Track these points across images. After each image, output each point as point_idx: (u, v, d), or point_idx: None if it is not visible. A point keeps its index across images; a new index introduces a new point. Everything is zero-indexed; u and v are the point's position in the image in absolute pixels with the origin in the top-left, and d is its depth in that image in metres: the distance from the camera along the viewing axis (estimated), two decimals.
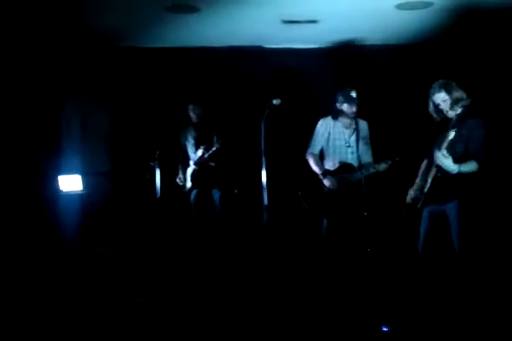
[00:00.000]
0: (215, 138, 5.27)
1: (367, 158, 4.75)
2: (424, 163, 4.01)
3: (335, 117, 4.70)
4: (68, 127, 5.82)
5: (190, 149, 5.42)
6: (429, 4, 4.65)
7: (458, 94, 3.72)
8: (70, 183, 5.60)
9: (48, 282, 4.32)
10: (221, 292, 4.26)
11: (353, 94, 4.57)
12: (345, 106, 4.62)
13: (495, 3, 4.51)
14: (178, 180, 5.46)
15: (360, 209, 4.64)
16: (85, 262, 4.84)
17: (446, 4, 4.62)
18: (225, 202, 5.27)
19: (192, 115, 5.35)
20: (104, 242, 5.19)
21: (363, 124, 4.77)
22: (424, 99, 3.93)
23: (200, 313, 3.81)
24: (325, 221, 4.62)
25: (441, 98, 3.72)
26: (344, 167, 4.62)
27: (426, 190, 3.79)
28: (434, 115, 3.85)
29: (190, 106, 5.32)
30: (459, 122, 3.68)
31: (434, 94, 3.76)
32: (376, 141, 4.85)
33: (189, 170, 5.39)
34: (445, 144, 3.52)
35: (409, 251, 3.96)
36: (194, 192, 5.38)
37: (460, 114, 3.73)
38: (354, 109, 4.61)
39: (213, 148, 5.22)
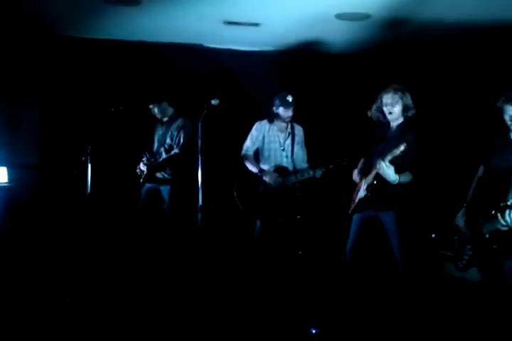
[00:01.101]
0: (177, 140, 5.15)
1: (302, 162, 4.82)
2: (356, 171, 4.09)
3: (271, 121, 4.75)
4: None
5: (155, 145, 5.27)
6: (368, 16, 4.80)
7: (409, 102, 3.82)
8: None
9: None
10: (148, 290, 4.22)
11: (289, 99, 4.64)
12: (281, 110, 4.67)
13: (429, 16, 4.71)
14: (138, 171, 5.27)
15: (294, 212, 4.72)
16: (8, 258, 4.63)
17: (384, 16, 4.79)
18: (173, 199, 5.16)
19: (158, 115, 5.23)
20: (28, 237, 4.98)
21: (299, 129, 4.84)
22: (360, 106, 4.05)
23: (126, 311, 3.75)
24: (258, 222, 4.65)
25: (395, 99, 3.77)
26: (279, 169, 4.67)
27: (360, 196, 3.89)
28: (376, 114, 3.90)
29: (156, 105, 5.18)
30: (400, 133, 3.78)
31: (388, 93, 3.80)
32: (312, 146, 4.94)
33: (141, 164, 5.19)
34: (390, 156, 3.58)
35: (340, 255, 4.06)
36: (145, 187, 5.22)
37: (402, 124, 3.85)
38: (290, 113, 4.67)
39: (171, 153, 5.09)
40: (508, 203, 2.83)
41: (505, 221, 2.79)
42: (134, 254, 4.92)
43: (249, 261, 4.65)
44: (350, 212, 3.97)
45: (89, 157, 4.74)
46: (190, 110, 4.38)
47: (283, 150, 4.73)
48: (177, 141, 5.14)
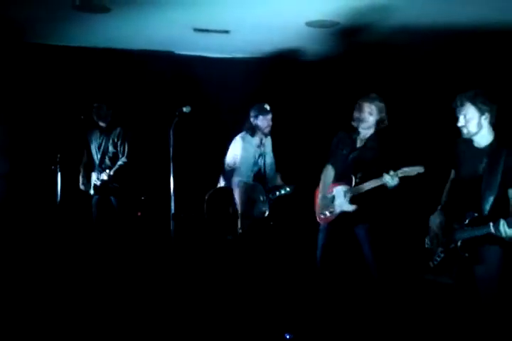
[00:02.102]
0: (122, 149, 5.11)
1: (271, 171, 4.74)
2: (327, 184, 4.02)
3: (252, 134, 4.60)
4: None
5: (95, 154, 5.23)
6: (336, 23, 4.86)
7: (383, 115, 3.85)
8: None
9: None
10: (124, 299, 4.18)
11: (267, 107, 4.60)
12: (260, 119, 4.57)
13: (396, 23, 4.78)
14: (82, 186, 5.24)
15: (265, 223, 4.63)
16: None
17: (352, 23, 4.86)
18: (122, 209, 5.13)
19: (96, 118, 5.16)
20: None
21: (268, 140, 4.76)
22: (331, 113, 4.08)
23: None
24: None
25: (372, 109, 3.80)
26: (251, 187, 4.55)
27: (343, 208, 3.82)
28: (355, 122, 3.89)
29: (95, 106, 5.11)
30: (376, 144, 3.82)
31: (366, 101, 3.82)
32: (284, 156, 4.91)
33: (93, 176, 5.17)
34: (401, 173, 3.57)
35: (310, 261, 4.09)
36: (95, 197, 5.21)
37: (373, 134, 3.88)
38: (269, 121, 4.58)
39: (119, 162, 5.07)
40: (484, 213, 2.95)
41: (500, 232, 2.86)
42: (108, 262, 4.88)
43: (221, 268, 4.63)
44: (323, 222, 3.94)
45: (58, 165, 4.69)
46: (161, 117, 4.36)
47: (255, 164, 4.63)
48: (122, 149, 5.10)
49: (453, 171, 3.39)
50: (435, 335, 3.58)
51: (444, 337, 3.50)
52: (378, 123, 3.84)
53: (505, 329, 3.04)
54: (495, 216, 2.92)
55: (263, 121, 4.60)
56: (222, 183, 4.66)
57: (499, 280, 3.05)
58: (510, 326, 3.05)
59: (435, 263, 3.20)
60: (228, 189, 4.54)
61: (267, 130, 4.63)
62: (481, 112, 3.08)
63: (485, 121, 3.09)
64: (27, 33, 5.22)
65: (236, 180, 4.50)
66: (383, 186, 3.59)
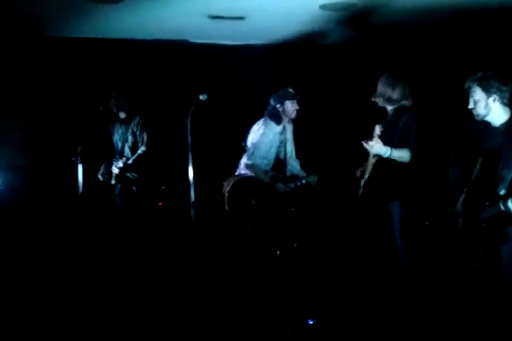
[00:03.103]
0: (141, 138, 5.13)
1: (293, 160, 4.65)
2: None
3: (278, 122, 4.46)
4: None
5: (116, 145, 5.26)
6: (352, 5, 4.78)
7: (395, 93, 3.86)
8: None
9: None
10: (148, 288, 4.22)
11: (292, 91, 4.46)
12: (288, 105, 4.42)
13: (419, 2, 4.69)
14: (100, 176, 5.28)
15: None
16: (2, 261, 4.61)
17: (369, 5, 4.78)
18: (144, 198, 5.16)
19: (116, 109, 5.18)
20: (21, 240, 4.96)
21: (290, 126, 4.63)
22: (349, 99, 4.04)
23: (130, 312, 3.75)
24: None
25: (386, 86, 3.86)
26: (274, 177, 4.46)
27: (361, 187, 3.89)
28: (377, 99, 3.95)
29: (113, 97, 5.13)
30: (393, 118, 3.85)
31: (381, 80, 3.89)
32: (307, 144, 4.85)
33: (113, 166, 5.21)
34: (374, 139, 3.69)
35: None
36: (118, 187, 5.25)
37: (395, 108, 3.90)
38: (296, 106, 4.45)
39: (139, 151, 5.09)
40: (501, 193, 2.90)
41: (509, 209, 2.82)
42: (130, 253, 4.92)
43: (240, 257, 4.62)
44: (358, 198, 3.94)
45: (79, 157, 4.72)
46: (179, 106, 4.36)
47: (278, 152, 4.52)
48: (141, 139, 5.12)
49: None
50: (461, 321, 3.54)
51: (471, 323, 3.46)
52: (388, 101, 3.90)
53: None
54: None
55: (291, 106, 4.44)
56: (241, 167, 4.53)
57: None
58: None
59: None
60: (252, 179, 4.40)
61: (294, 115, 4.48)
62: (488, 94, 3.07)
63: (494, 102, 3.07)
64: (44, 27, 5.25)
65: (244, 161, 4.41)
66: None
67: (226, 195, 4.33)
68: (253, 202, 4.37)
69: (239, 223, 4.44)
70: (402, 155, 3.73)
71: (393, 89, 3.82)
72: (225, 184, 4.42)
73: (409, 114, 3.80)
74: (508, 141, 3.02)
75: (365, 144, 3.69)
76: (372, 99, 3.91)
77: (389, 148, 3.67)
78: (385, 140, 3.69)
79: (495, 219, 2.97)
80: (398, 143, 3.74)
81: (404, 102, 3.86)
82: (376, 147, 3.67)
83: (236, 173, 4.53)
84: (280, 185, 4.38)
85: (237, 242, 4.68)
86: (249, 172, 4.42)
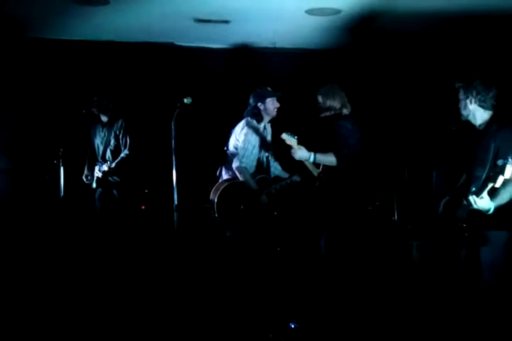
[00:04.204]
0: (124, 141, 5.10)
1: (272, 161, 4.62)
2: None
3: (259, 120, 4.42)
4: None
5: (98, 148, 5.22)
6: (338, 11, 4.81)
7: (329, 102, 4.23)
8: None
9: None
10: (130, 292, 4.19)
11: (270, 89, 4.45)
12: (268, 102, 4.38)
13: (405, 8, 4.71)
14: (84, 178, 5.23)
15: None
16: None
17: (354, 12, 4.80)
18: (125, 202, 5.11)
19: (98, 112, 5.14)
20: (1, 243, 4.89)
21: (269, 127, 4.59)
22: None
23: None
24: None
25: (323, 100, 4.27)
26: (261, 180, 4.42)
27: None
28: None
29: (95, 100, 5.07)
30: (327, 123, 4.19)
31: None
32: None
33: (96, 169, 5.16)
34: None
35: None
36: (99, 191, 5.20)
37: (330, 116, 4.24)
38: (277, 103, 4.41)
39: (122, 155, 5.06)
40: (472, 191, 2.97)
41: (470, 203, 2.92)
42: (113, 256, 4.88)
43: (223, 260, 4.59)
44: None
45: (61, 160, 4.68)
46: (163, 109, 4.33)
47: (259, 151, 4.43)
48: (123, 142, 5.09)
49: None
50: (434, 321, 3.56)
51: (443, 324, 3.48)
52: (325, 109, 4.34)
53: (505, 316, 3.01)
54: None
55: (272, 104, 4.40)
56: (223, 172, 4.51)
57: (504, 265, 3.02)
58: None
59: None
60: (240, 185, 4.32)
61: (275, 113, 4.43)
62: (468, 95, 3.19)
63: (472, 103, 3.18)
64: (28, 28, 5.20)
65: (235, 165, 4.32)
66: None
67: (215, 201, 4.25)
68: (241, 208, 4.32)
69: (226, 228, 4.38)
70: (328, 159, 4.09)
71: (334, 99, 4.19)
72: (212, 191, 4.35)
73: (340, 121, 4.12)
74: (483, 141, 3.10)
75: (292, 152, 4.07)
76: (321, 116, 4.26)
77: (312, 153, 4.05)
78: (320, 146, 4.07)
79: (470, 218, 3.03)
80: (324, 147, 4.07)
81: (344, 110, 4.20)
82: (298, 153, 4.04)
83: (220, 180, 4.46)
84: (264, 198, 4.35)
85: (220, 246, 4.66)
86: (238, 176, 4.33)
